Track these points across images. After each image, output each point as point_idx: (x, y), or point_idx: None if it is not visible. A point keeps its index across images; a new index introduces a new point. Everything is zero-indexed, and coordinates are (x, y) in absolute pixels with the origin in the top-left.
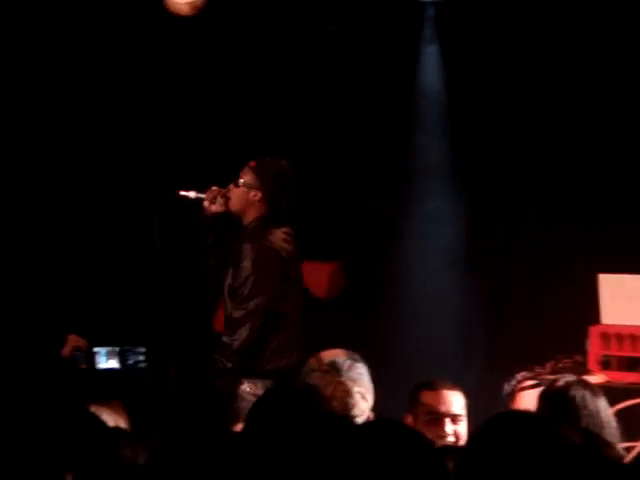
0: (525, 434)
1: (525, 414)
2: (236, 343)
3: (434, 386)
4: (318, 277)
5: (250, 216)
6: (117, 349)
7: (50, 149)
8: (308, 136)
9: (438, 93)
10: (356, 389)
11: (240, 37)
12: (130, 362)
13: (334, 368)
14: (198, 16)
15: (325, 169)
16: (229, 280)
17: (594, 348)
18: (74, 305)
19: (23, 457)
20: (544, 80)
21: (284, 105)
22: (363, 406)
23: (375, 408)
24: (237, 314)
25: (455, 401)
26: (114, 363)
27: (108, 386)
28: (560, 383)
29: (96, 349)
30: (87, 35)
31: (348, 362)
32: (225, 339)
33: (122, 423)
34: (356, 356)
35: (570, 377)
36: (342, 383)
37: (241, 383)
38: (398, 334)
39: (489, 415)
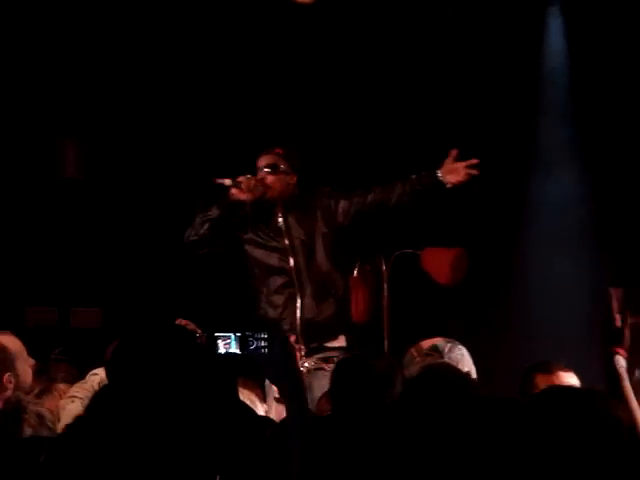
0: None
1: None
2: None
3: (549, 368)
4: (440, 263)
5: (289, 197)
6: (239, 334)
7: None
8: (436, 119)
9: (562, 74)
10: (459, 368)
11: (356, 24)
12: (251, 347)
13: (435, 351)
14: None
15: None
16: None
17: None
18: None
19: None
20: None
21: (408, 89)
22: None
23: (494, 393)
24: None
25: (570, 382)
26: (234, 348)
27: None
28: None
29: (217, 334)
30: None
31: (449, 345)
32: None
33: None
34: (455, 341)
35: None
36: (444, 364)
37: None
38: (521, 319)
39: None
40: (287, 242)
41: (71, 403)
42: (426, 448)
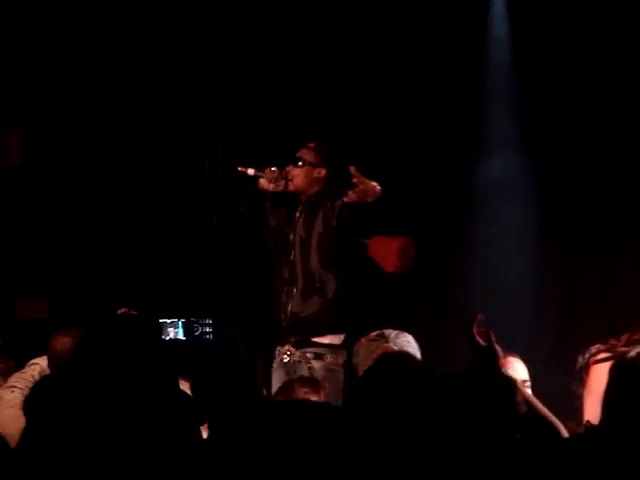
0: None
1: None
2: None
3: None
4: (387, 252)
5: (312, 192)
6: (183, 320)
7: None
8: (377, 109)
9: (507, 63)
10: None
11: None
12: (196, 333)
13: (381, 336)
14: None
15: (396, 144)
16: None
17: None
18: (132, 279)
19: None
20: (622, 46)
21: (349, 77)
22: None
23: None
24: None
25: (519, 368)
26: (179, 334)
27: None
28: (632, 354)
29: (162, 320)
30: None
31: (395, 332)
32: None
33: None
34: (405, 332)
35: None
36: (388, 349)
37: None
38: (469, 308)
39: (563, 389)
40: (291, 237)
41: (10, 393)
42: (386, 437)
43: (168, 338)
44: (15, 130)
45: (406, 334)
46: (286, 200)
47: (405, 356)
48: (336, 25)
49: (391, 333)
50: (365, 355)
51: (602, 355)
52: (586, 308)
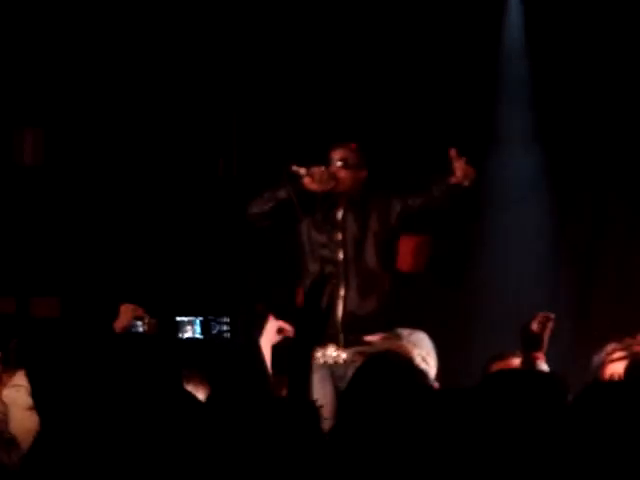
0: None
1: None
2: None
3: (502, 355)
4: (404, 251)
5: (355, 192)
6: (200, 318)
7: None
8: (389, 104)
9: (522, 59)
10: (417, 351)
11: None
12: (214, 332)
13: (395, 335)
14: None
15: (411, 142)
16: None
17: None
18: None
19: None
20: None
21: (359, 75)
22: (424, 368)
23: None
24: None
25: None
26: (197, 332)
27: (191, 356)
28: None
29: (180, 318)
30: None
31: (409, 330)
32: None
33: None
34: (418, 330)
35: None
36: (403, 346)
37: None
38: (484, 307)
39: (579, 388)
40: (340, 236)
41: (16, 392)
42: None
43: (186, 336)
44: (29, 129)
45: (418, 331)
46: (312, 202)
47: (394, 357)
48: (345, 23)
49: (404, 331)
50: (382, 349)
51: (618, 354)
52: (602, 307)
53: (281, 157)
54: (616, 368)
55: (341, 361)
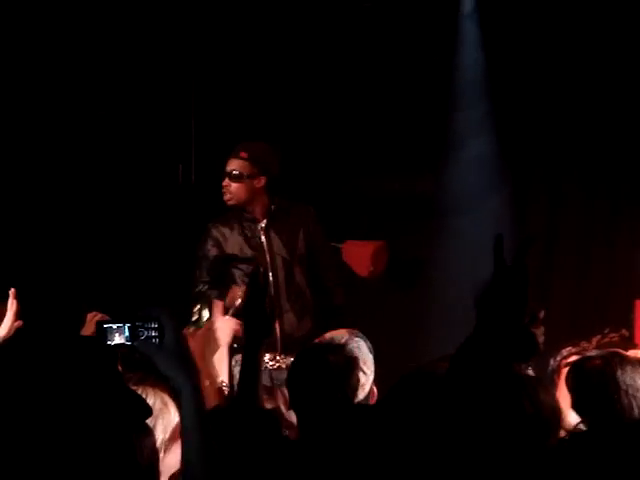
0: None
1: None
2: None
3: (446, 357)
4: (361, 256)
5: (258, 203)
6: (128, 325)
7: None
8: (347, 114)
9: (477, 68)
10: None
11: (272, 14)
12: (142, 337)
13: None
14: None
15: (367, 149)
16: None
17: None
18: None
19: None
20: (586, 47)
21: (320, 84)
22: (362, 379)
23: None
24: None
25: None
26: (125, 339)
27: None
28: (596, 358)
29: (107, 325)
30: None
31: (346, 337)
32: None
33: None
34: (358, 333)
35: (606, 352)
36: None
37: None
38: (441, 313)
39: None
40: (268, 258)
41: None
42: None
43: (114, 343)
44: None
45: (357, 338)
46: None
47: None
48: (302, 30)
49: (342, 338)
50: None
51: (573, 358)
52: (558, 310)
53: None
54: None
55: (277, 367)
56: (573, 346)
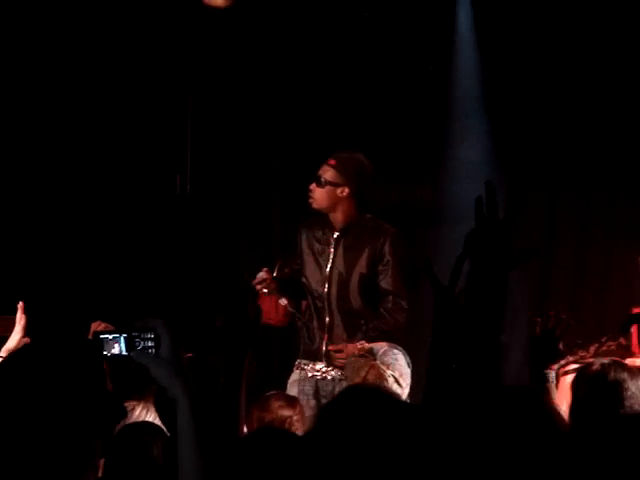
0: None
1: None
2: None
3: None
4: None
5: (341, 212)
6: (124, 335)
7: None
8: (344, 123)
9: (474, 79)
10: (389, 372)
11: (273, 26)
12: (139, 348)
13: (370, 353)
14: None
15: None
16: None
17: (638, 331)
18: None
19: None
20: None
21: (319, 94)
22: (397, 390)
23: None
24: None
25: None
26: (122, 350)
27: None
28: (596, 366)
29: (103, 336)
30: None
31: (384, 348)
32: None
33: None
34: (398, 347)
35: (606, 359)
36: (375, 366)
37: None
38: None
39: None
40: (328, 270)
41: None
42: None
43: (110, 354)
44: None
45: (394, 350)
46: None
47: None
48: (293, 41)
49: (380, 350)
50: (353, 370)
51: (571, 366)
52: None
53: (235, 173)
54: (569, 380)
55: (329, 377)
56: (571, 354)
